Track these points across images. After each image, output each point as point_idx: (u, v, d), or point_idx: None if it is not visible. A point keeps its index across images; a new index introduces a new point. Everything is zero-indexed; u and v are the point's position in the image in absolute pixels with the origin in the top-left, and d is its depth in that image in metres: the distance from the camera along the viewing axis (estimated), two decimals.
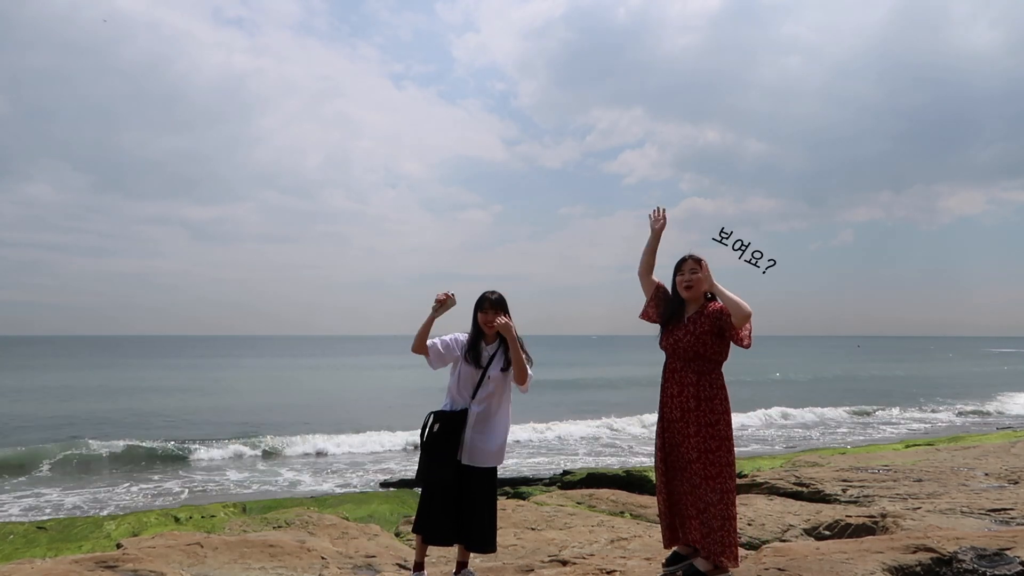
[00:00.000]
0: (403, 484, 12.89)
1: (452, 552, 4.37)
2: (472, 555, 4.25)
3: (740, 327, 3.73)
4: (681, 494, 3.87)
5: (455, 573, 4.15)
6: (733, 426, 3.89)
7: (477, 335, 4.08)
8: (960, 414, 26.67)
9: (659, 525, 4.15)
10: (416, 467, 4.12)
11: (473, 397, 4.02)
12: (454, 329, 4.18)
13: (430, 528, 4.00)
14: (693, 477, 3.79)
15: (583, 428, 21.85)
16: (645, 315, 4.13)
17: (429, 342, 4.02)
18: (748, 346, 3.76)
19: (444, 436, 3.95)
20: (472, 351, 4.04)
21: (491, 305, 4.04)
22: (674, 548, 4.04)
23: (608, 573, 4.12)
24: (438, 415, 4.03)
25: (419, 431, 4.07)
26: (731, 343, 3.83)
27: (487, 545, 4.04)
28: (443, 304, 4.02)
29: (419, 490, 4.12)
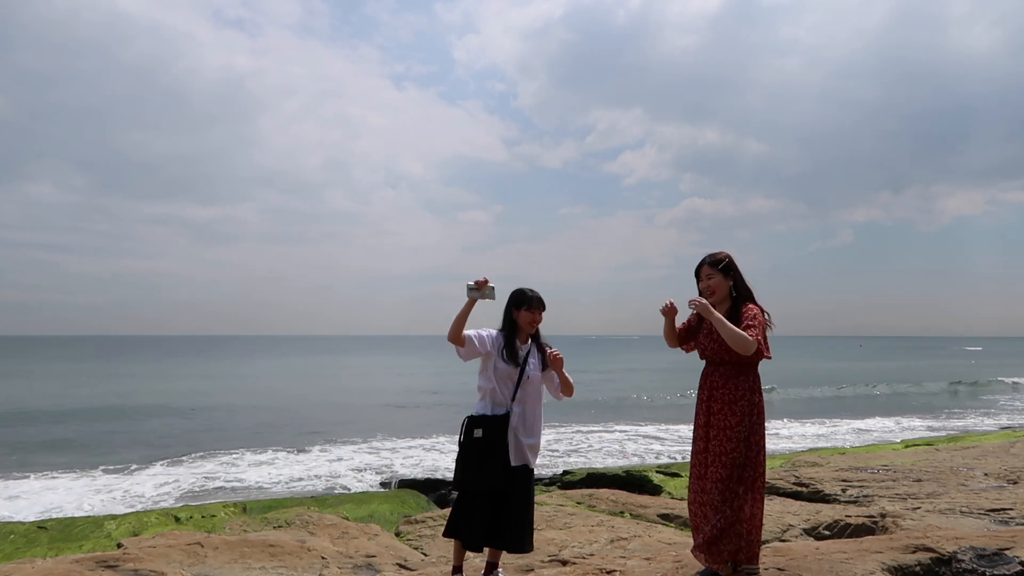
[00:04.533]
0: (403, 484, 12.88)
1: (447, 550, 4.35)
2: (476, 556, 4.25)
3: (743, 352, 3.65)
4: (699, 503, 3.80)
5: (485, 574, 4.08)
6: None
7: (512, 332, 4.03)
8: (959, 414, 26.69)
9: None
10: (446, 471, 4.05)
11: (513, 398, 3.96)
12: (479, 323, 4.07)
13: (467, 533, 3.92)
14: (706, 483, 3.74)
15: (583, 429, 21.84)
16: (686, 350, 4.07)
17: (464, 333, 3.88)
18: (765, 355, 3.70)
19: (488, 441, 3.88)
20: (509, 348, 3.98)
21: (537, 304, 4.02)
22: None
23: (608, 573, 4.13)
24: (479, 420, 3.93)
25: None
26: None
27: (524, 545, 3.99)
28: (481, 289, 3.83)
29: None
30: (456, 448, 4.00)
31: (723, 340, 3.73)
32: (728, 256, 3.88)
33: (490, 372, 3.97)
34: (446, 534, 4.03)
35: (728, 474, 3.67)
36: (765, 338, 3.73)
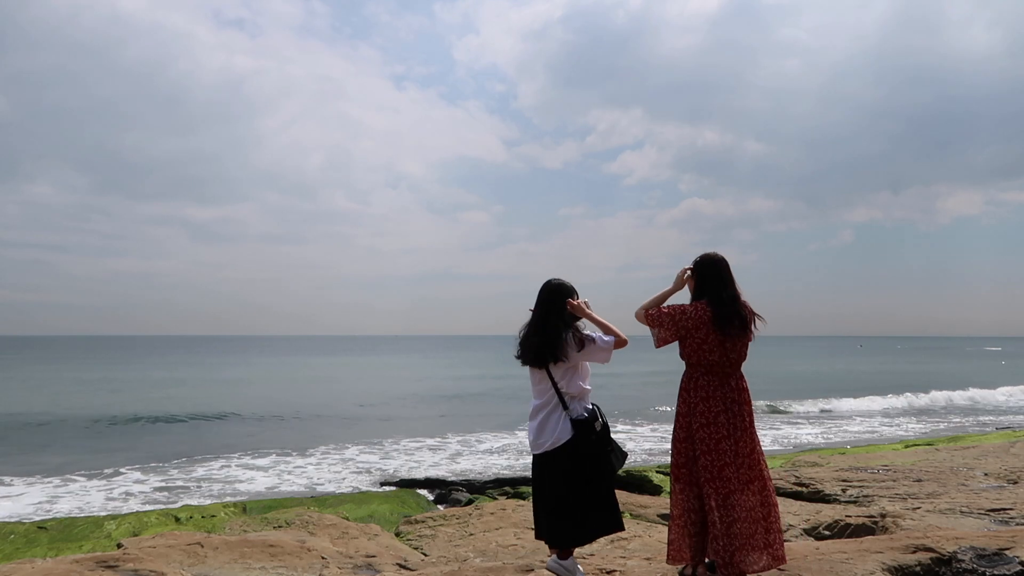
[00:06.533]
0: (403, 484, 12.87)
1: (447, 550, 4.34)
2: (476, 556, 4.26)
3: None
4: (762, 504, 3.77)
5: (566, 558, 3.93)
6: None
7: None
8: (959, 414, 26.65)
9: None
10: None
11: None
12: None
13: None
14: (760, 484, 3.78)
15: None
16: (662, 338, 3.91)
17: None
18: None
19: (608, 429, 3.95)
20: None
21: None
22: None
23: (608, 573, 4.12)
24: (596, 412, 3.91)
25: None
26: (680, 344, 3.79)
27: None
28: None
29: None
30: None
31: (745, 346, 3.75)
32: (705, 257, 3.81)
33: (589, 371, 3.96)
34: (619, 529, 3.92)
35: (766, 473, 3.74)
36: (664, 331, 3.71)
